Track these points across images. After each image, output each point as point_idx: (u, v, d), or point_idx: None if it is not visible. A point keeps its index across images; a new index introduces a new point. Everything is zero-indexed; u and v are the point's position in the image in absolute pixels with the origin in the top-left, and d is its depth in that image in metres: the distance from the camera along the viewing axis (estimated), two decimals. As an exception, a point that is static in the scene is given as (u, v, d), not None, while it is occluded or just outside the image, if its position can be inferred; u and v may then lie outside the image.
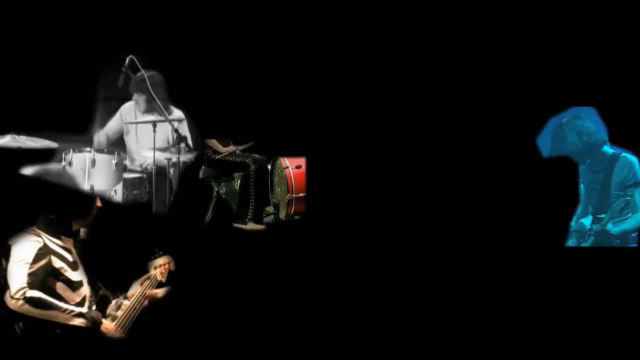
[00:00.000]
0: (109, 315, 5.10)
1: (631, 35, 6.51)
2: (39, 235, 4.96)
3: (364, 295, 6.63)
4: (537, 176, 6.44)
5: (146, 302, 5.17)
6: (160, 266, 5.31)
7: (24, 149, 6.43)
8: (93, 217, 5.18)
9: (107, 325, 4.98)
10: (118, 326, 5.01)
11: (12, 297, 4.74)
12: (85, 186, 6.56)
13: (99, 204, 5.20)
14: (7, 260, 4.84)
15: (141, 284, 5.24)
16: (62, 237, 5.04)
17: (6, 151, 6.40)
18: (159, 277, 5.27)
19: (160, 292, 5.27)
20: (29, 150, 6.45)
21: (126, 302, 5.14)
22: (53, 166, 6.22)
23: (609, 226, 5.99)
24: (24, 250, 4.86)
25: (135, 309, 5.11)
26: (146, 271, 5.35)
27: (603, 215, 6.02)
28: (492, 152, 6.64)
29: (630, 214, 6.02)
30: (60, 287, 4.90)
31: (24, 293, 4.74)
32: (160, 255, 5.34)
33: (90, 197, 5.25)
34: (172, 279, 5.54)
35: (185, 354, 6.45)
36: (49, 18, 6.90)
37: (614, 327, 6.15)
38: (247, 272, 6.65)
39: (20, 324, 4.85)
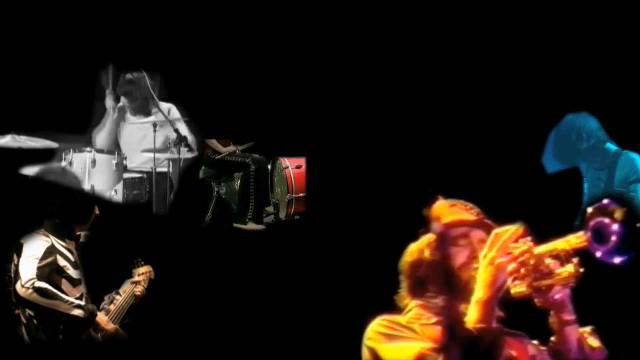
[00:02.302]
0: (102, 308, 5.53)
1: (631, 37, 6.52)
2: (47, 236, 5.39)
3: (364, 295, 6.62)
4: (541, 175, 6.44)
5: (130, 304, 5.64)
6: (142, 274, 5.75)
7: (25, 149, 6.44)
8: (91, 222, 5.56)
9: (101, 317, 5.42)
10: (110, 319, 5.47)
11: (22, 286, 5.23)
12: (86, 186, 6.56)
13: (97, 211, 5.57)
14: (19, 255, 5.32)
15: (129, 286, 5.68)
16: (66, 240, 5.43)
17: (6, 151, 6.41)
18: (142, 284, 5.71)
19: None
20: (30, 150, 6.46)
21: (118, 297, 5.58)
22: (55, 165, 6.42)
23: None
24: (34, 248, 5.33)
25: (123, 308, 5.57)
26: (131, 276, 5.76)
27: None
28: (494, 151, 6.64)
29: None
30: (63, 283, 5.36)
31: (33, 283, 5.22)
32: (141, 265, 5.76)
33: (89, 203, 5.62)
34: (172, 279, 5.60)
35: (185, 353, 6.45)
36: (49, 18, 6.90)
37: (617, 327, 6.15)
38: (247, 272, 6.66)
39: (27, 312, 5.31)
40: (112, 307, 5.54)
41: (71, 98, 6.89)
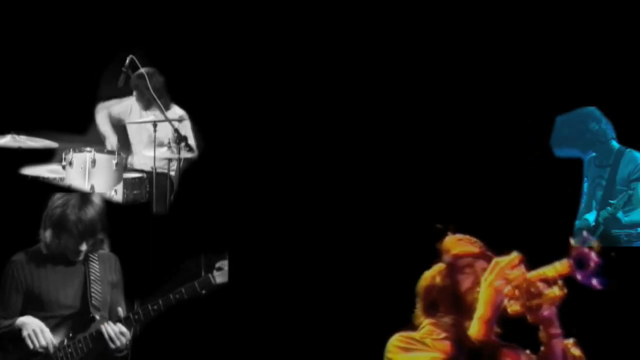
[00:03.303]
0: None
1: (632, 35, 6.52)
2: None
3: (363, 296, 6.62)
4: (542, 175, 6.44)
5: None
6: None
7: (25, 149, 6.44)
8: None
9: None
10: None
11: None
12: (86, 186, 6.56)
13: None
14: None
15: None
16: None
17: (6, 151, 6.41)
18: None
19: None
20: (30, 150, 6.46)
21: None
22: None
23: (620, 214, 5.95)
24: None
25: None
26: None
27: (613, 202, 5.98)
28: (494, 151, 6.64)
29: (635, 209, 6.00)
30: None
31: None
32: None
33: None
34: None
35: (185, 354, 6.44)
36: (49, 18, 6.91)
37: (620, 327, 6.15)
38: (247, 272, 6.65)
39: None
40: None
41: (71, 98, 6.90)
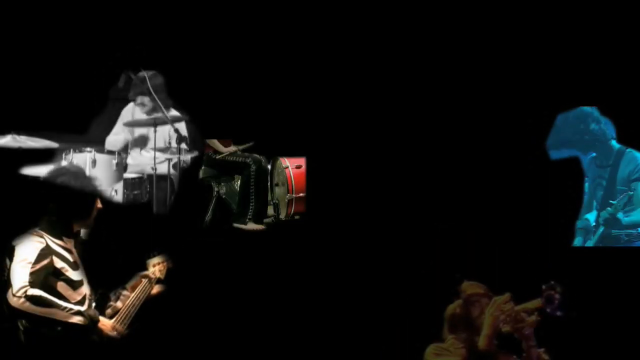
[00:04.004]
0: (109, 306, 5.20)
1: (633, 34, 6.53)
2: (41, 236, 5.02)
3: (363, 296, 6.63)
4: (543, 175, 6.44)
5: (144, 298, 5.26)
6: (158, 264, 5.41)
7: (25, 149, 6.44)
8: (94, 218, 5.22)
9: (105, 323, 5.06)
10: (117, 322, 5.10)
11: (14, 295, 4.84)
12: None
13: (99, 205, 5.24)
14: (11, 260, 4.94)
15: (140, 281, 5.32)
16: (64, 238, 5.09)
17: (7, 151, 6.41)
18: (157, 275, 5.37)
19: (156, 288, 5.39)
20: (30, 150, 6.46)
21: (125, 293, 5.24)
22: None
23: (620, 215, 5.97)
24: (27, 251, 4.94)
25: (134, 305, 5.20)
26: (145, 269, 5.43)
27: (614, 202, 5.99)
28: (495, 151, 6.64)
29: (635, 209, 6.00)
30: (61, 286, 4.99)
31: (25, 291, 4.83)
32: (157, 254, 5.43)
33: (90, 199, 5.24)
34: (172, 279, 5.54)
35: (185, 353, 6.45)
36: (49, 18, 6.90)
37: (620, 327, 6.16)
38: (246, 272, 6.66)
39: (23, 321, 4.92)
40: (119, 304, 5.18)
41: (71, 98, 6.89)
